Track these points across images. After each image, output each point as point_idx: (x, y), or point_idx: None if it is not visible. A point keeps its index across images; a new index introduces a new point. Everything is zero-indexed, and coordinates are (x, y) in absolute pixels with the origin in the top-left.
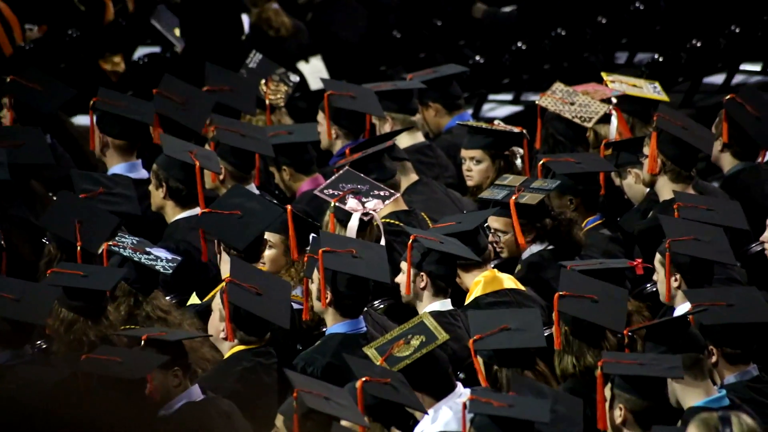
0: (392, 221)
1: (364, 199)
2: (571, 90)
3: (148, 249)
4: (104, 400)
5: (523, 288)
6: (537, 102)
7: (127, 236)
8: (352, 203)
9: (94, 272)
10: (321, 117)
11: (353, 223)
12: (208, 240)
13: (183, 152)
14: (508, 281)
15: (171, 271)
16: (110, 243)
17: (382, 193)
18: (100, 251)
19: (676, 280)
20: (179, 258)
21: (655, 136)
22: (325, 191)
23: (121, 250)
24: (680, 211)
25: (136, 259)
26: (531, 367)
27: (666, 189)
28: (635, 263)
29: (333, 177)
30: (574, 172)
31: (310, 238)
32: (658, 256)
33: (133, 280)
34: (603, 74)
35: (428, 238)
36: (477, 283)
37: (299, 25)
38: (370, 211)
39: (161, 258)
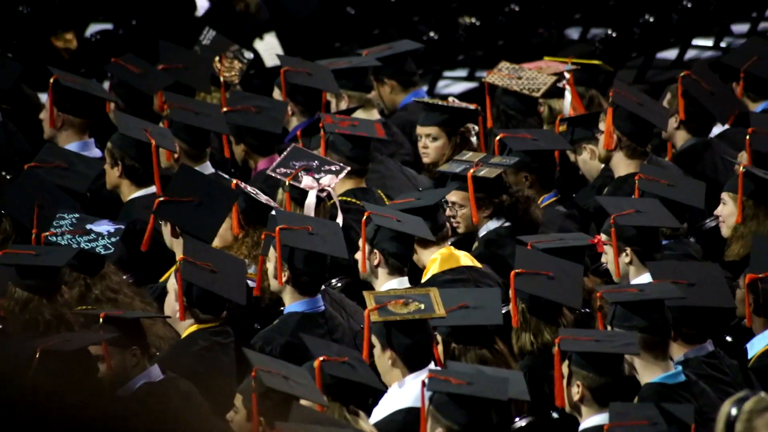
0: (349, 199)
1: (317, 176)
2: (516, 66)
3: (88, 226)
4: (58, 379)
5: (479, 265)
6: (484, 80)
7: (66, 216)
8: (307, 181)
9: (46, 251)
10: (277, 94)
11: (311, 200)
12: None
13: (138, 130)
14: (465, 258)
15: (113, 250)
16: (46, 233)
17: (333, 168)
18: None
19: (627, 255)
20: (122, 226)
21: (611, 112)
22: (277, 170)
23: (58, 238)
24: (641, 183)
25: (74, 245)
26: (489, 345)
27: (621, 165)
28: (595, 240)
29: (282, 155)
30: (529, 149)
31: (269, 216)
32: (603, 236)
33: (77, 266)
34: (546, 58)
35: (383, 216)
36: (434, 260)
37: (260, 2)
38: (326, 188)
39: (102, 234)
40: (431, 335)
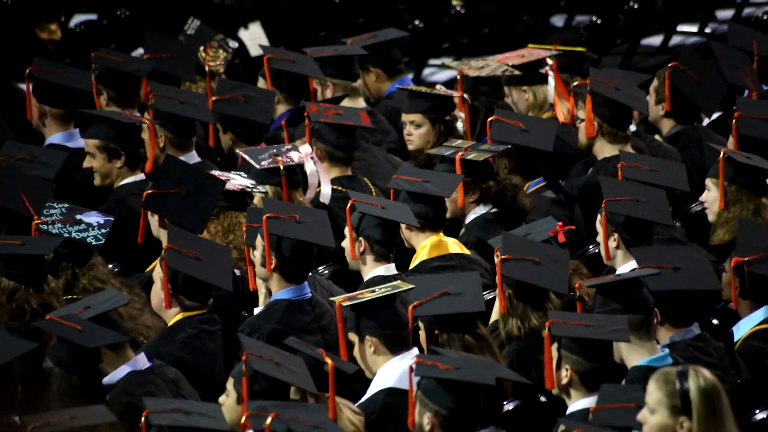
0: (336, 187)
1: (294, 151)
2: (477, 65)
3: (78, 216)
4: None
5: (468, 252)
6: (457, 77)
7: (56, 205)
8: (293, 156)
9: (32, 241)
10: (261, 84)
11: (311, 167)
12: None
13: (121, 116)
14: (454, 246)
15: (103, 241)
16: (38, 221)
17: (289, 146)
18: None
19: (614, 240)
20: (111, 219)
21: (590, 99)
22: (262, 164)
23: (49, 227)
24: (623, 170)
25: (65, 234)
26: (471, 331)
27: (605, 150)
28: (556, 231)
29: (246, 157)
30: (507, 141)
31: (248, 208)
32: (598, 217)
33: (67, 255)
34: (530, 46)
35: (368, 203)
36: (423, 246)
37: None
38: (312, 155)
39: (93, 225)
40: (405, 316)
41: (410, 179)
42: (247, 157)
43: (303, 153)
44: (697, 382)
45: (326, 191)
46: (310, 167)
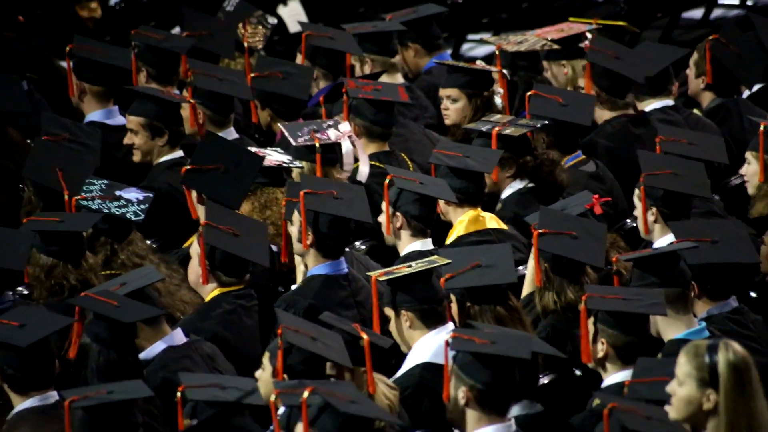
0: (373, 163)
1: (333, 129)
2: (516, 40)
3: (117, 193)
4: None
5: (505, 227)
6: (496, 52)
7: (96, 181)
8: (331, 134)
9: (71, 217)
10: (299, 60)
11: (347, 148)
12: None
13: (164, 94)
14: (491, 221)
15: (143, 216)
16: (77, 196)
17: (330, 122)
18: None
19: (652, 213)
20: (151, 195)
21: (589, 68)
22: (299, 140)
23: (89, 203)
24: (662, 145)
25: (105, 210)
26: (503, 303)
27: (606, 117)
28: (592, 204)
29: (285, 132)
30: (543, 116)
31: (287, 182)
32: (636, 191)
33: (106, 231)
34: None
35: (405, 179)
36: (461, 222)
37: None
38: (350, 133)
39: (132, 201)
40: (441, 291)
41: (450, 154)
42: (285, 132)
43: (341, 131)
44: (726, 355)
45: (364, 170)
46: (346, 146)
